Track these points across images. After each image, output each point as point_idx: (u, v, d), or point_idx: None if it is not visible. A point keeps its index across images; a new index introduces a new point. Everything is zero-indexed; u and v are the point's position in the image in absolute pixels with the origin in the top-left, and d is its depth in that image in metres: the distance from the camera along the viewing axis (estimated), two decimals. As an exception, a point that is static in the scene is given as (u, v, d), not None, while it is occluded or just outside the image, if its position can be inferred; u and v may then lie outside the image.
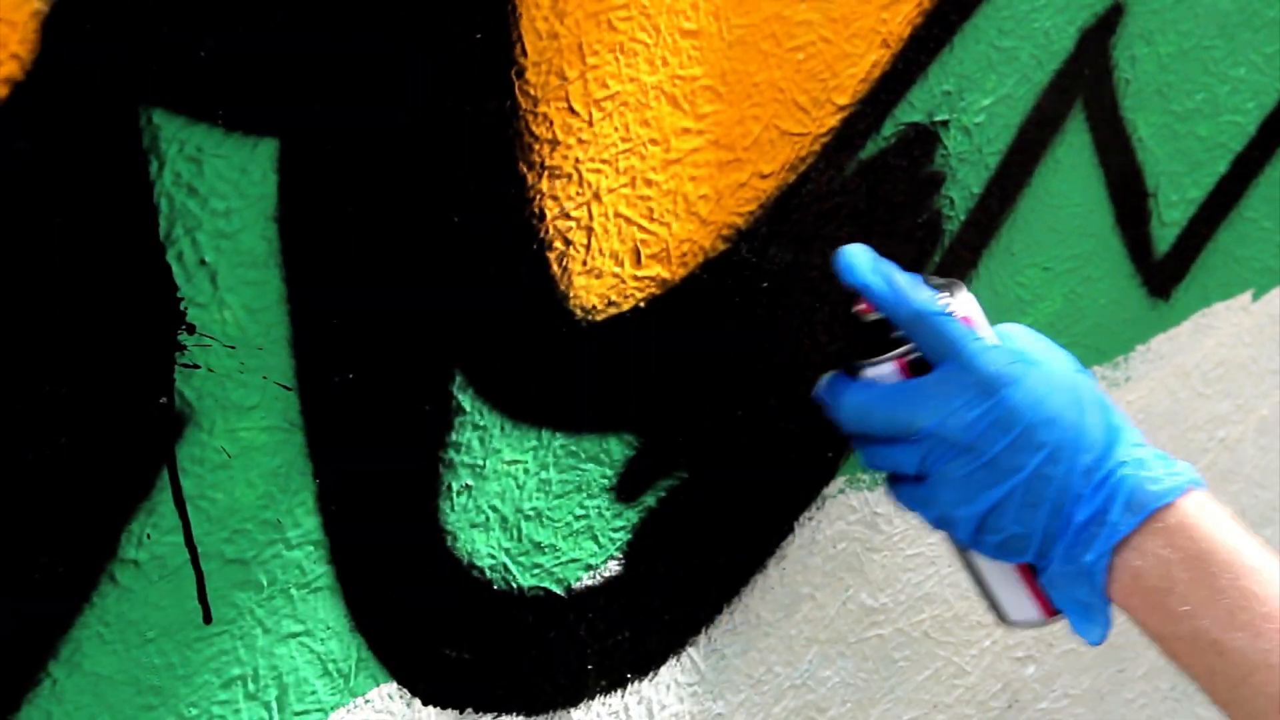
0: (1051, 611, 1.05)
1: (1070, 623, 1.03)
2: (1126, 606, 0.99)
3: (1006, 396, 0.98)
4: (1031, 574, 1.04)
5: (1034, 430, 0.98)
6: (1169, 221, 1.33)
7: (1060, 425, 0.98)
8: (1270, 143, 1.36)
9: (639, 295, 1.03)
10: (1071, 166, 1.22)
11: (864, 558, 1.23)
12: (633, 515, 1.08)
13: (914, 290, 1.00)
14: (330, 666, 0.96)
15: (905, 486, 1.04)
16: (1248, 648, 0.94)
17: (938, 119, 1.12)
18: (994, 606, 1.08)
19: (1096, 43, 1.19)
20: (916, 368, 1.02)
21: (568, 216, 0.97)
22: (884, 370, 1.03)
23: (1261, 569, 0.95)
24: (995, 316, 1.18)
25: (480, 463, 0.99)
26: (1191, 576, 0.96)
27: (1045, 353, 1.02)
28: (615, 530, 1.07)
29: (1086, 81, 1.20)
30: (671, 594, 1.11)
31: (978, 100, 1.14)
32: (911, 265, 1.15)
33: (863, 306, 1.04)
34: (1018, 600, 1.06)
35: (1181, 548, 0.96)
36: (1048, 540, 0.99)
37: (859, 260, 1.02)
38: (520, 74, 0.93)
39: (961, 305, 1.03)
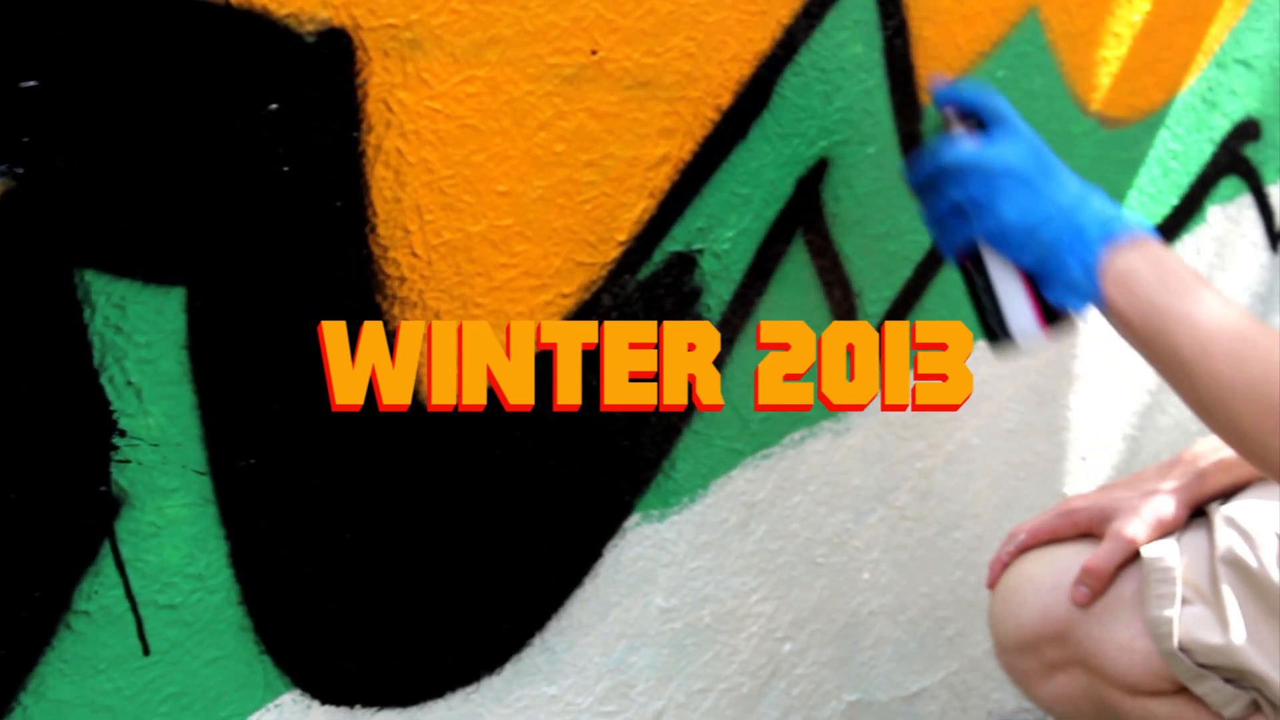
0: (1045, 323, 1.04)
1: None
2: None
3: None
4: (1032, 285, 1.04)
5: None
6: (872, 314, 1.36)
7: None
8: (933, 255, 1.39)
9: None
10: (796, 277, 1.25)
11: (658, 571, 1.24)
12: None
13: None
14: (245, 681, 0.96)
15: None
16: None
17: (695, 248, 1.15)
18: (996, 324, 1.06)
19: (810, 187, 1.22)
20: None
21: (416, 335, 0.98)
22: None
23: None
24: (744, 393, 1.20)
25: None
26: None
27: None
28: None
29: (804, 215, 1.24)
30: (506, 607, 1.12)
31: (724, 233, 1.17)
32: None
33: None
34: (1019, 311, 1.04)
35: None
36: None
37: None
38: (373, 230, 0.94)
39: None
